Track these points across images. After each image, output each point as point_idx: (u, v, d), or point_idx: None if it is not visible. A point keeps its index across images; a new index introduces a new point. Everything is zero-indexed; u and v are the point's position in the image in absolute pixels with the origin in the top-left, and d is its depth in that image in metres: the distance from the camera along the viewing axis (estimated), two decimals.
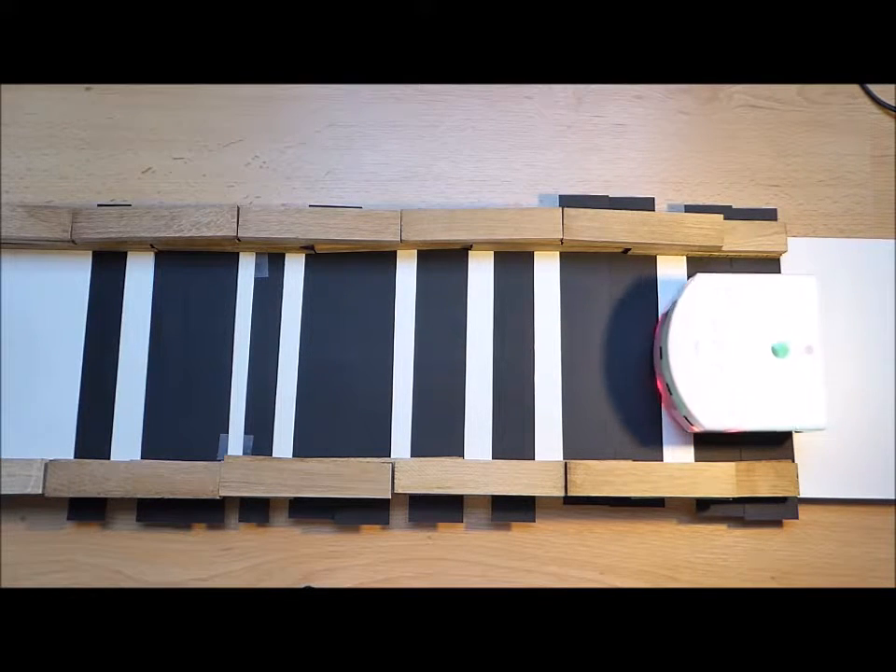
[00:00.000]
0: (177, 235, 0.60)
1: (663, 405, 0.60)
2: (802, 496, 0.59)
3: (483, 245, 0.62)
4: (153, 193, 0.66)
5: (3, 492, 0.57)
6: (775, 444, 0.60)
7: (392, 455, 0.60)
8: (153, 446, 0.60)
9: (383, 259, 0.63)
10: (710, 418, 0.56)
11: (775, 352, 0.57)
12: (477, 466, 0.58)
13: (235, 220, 0.60)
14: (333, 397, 0.61)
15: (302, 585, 0.60)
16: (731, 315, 0.57)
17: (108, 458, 0.60)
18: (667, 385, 0.58)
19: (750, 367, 0.57)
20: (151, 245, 0.62)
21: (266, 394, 0.61)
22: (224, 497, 0.58)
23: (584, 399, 0.61)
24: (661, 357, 0.58)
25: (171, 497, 0.57)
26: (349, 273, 0.63)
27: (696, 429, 0.57)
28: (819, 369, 0.57)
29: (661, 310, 0.62)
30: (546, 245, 0.62)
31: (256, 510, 0.60)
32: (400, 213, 0.61)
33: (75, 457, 0.60)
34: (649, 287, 0.63)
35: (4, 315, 0.62)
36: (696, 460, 0.60)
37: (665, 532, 0.61)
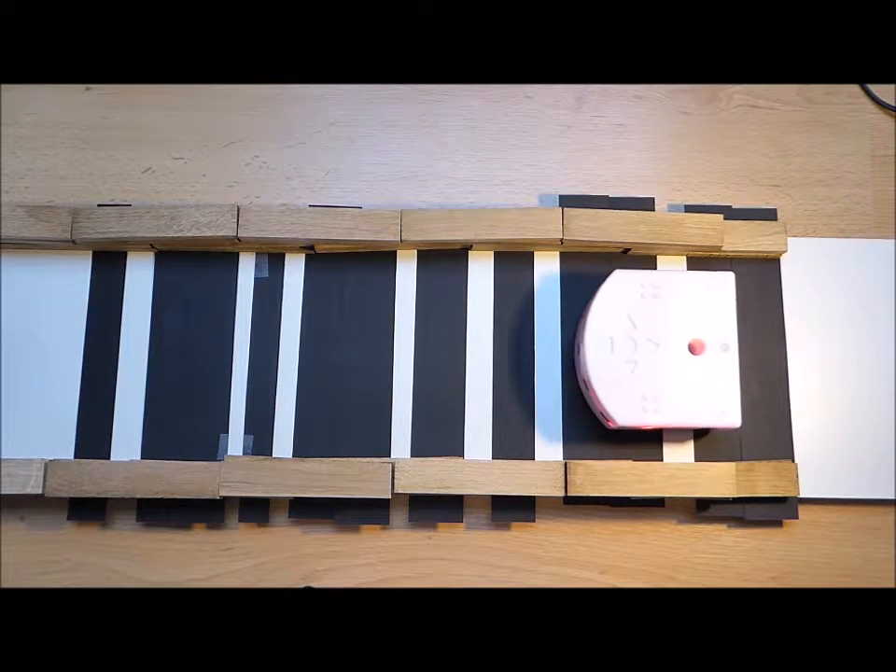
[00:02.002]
0: (177, 235, 0.60)
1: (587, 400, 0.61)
2: (802, 496, 0.59)
3: (483, 244, 0.62)
4: (153, 193, 0.66)
5: (3, 492, 0.57)
6: (775, 444, 0.60)
7: (392, 455, 0.60)
8: (153, 446, 0.60)
9: (383, 258, 0.63)
10: (625, 415, 0.56)
11: (691, 349, 0.57)
12: (477, 466, 0.58)
13: (235, 220, 0.60)
14: (333, 397, 0.61)
15: (302, 585, 0.60)
16: (648, 311, 0.57)
17: (108, 458, 0.60)
18: (584, 380, 0.57)
19: (666, 364, 0.57)
20: (151, 245, 0.62)
21: (266, 394, 0.61)
22: (224, 497, 0.58)
23: (585, 399, 0.61)
24: (577, 353, 0.58)
25: (171, 496, 0.57)
26: (349, 272, 0.63)
27: (613, 425, 0.57)
28: (734, 366, 0.57)
29: None
30: (546, 245, 0.62)
31: (256, 510, 0.60)
32: (400, 213, 0.61)
33: (75, 457, 0.60)
34: None
35: (4, 315, 0.62)
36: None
37: (665, 532, 0.61)
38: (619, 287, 0.58)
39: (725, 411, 0.56)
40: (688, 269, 0.63)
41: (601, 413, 0.58)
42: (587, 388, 0.58)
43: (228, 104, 0.67)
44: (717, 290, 0.58)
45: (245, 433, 0.60)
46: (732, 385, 0.57)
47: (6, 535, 0.60)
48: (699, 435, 0.60)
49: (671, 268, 0.62)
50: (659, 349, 0.57)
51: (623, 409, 0.56)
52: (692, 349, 0.57)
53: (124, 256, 0.63)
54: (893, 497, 0.60)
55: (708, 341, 0.57)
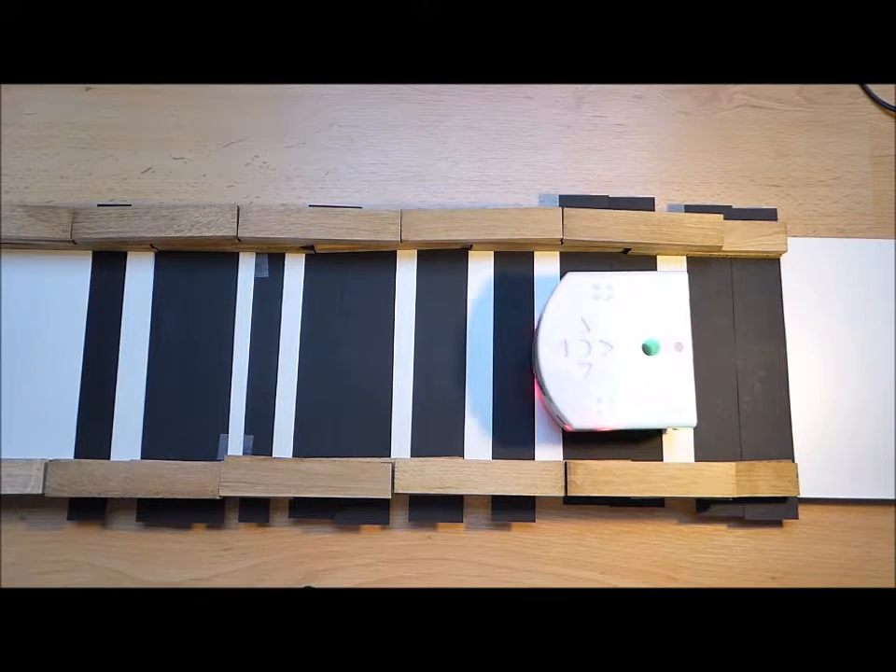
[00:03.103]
0: (177, 235, 0.60)
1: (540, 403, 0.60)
2: (802, 496, 0.59)
3: (483, 244, 0.62)
4: (153, 193, 0.66)
5: (3, 492, 0.57)
6: (774, 444, 0.60)
7: (392, 455, 0.60)
8: (153, 446, 0.60)
9: (383, 258, 0.63)
10: (579, 417, 0.56)
11: (646, 350, 0.57)
12: (477, 466, 0.58)
13: (235, 220, 0.60)
14: (333, 397, 0.61)
15: (302, 585, 0.60)
16: (602, 313, 0.57)
17: (108, 458, 0.60)
18: (539, 383, 0.58)
19: (621, 365, 0.57)
20: (151, 245, 0.62)
21: (266, 394, 0.61)
22: (224, 497, 0.58)
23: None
24: (533, 357, 0.58)
25: (171, 497, 0.57)
26: (349, 273, 0.63)
27: (569, 428, 0.57)
28: (688, 366, 0.57)
29: None
30: (546, 244, 0.62)
31: (256, 510, 0.60)
32: (400, 213, 0.61)
33: (75, 457, 0.60)
34: None
35: (4, 315, 0.62)
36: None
37: (665, 532, 0.61)
38: (572, 290, 0.57)
39: (681, 410, 0.56)
40: (688, 269, 0.63)
41: (557, 416, 0.57)
42: (542, 391, 0.57)
43: (228, 104, 0.67)
44: (670, 290, 0.58)
45: (245, 433, 0.60)
46: (687, 385, 0.56)
47: (6, 535, 0.60)
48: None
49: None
50: (613, 351, 0.57)
51: (577, 411, 0.56)
52: (646, 349, 0.57)
53: (124, 256, 0.63)
54: (893, 497, 0.60)
55: (663, 341, 0.57)
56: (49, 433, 0.60)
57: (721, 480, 0.58)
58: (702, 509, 0.60)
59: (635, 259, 0.63)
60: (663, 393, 0.56)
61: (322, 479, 0.57)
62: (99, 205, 0.63)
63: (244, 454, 0.60)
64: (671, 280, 0.58)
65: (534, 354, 0.58)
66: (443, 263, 0.63)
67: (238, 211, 0.60)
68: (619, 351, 0.57)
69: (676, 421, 0.56)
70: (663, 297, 0.58)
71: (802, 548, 0.61)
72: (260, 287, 0.62)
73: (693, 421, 0.56)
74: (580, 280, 0.58)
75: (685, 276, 0.58)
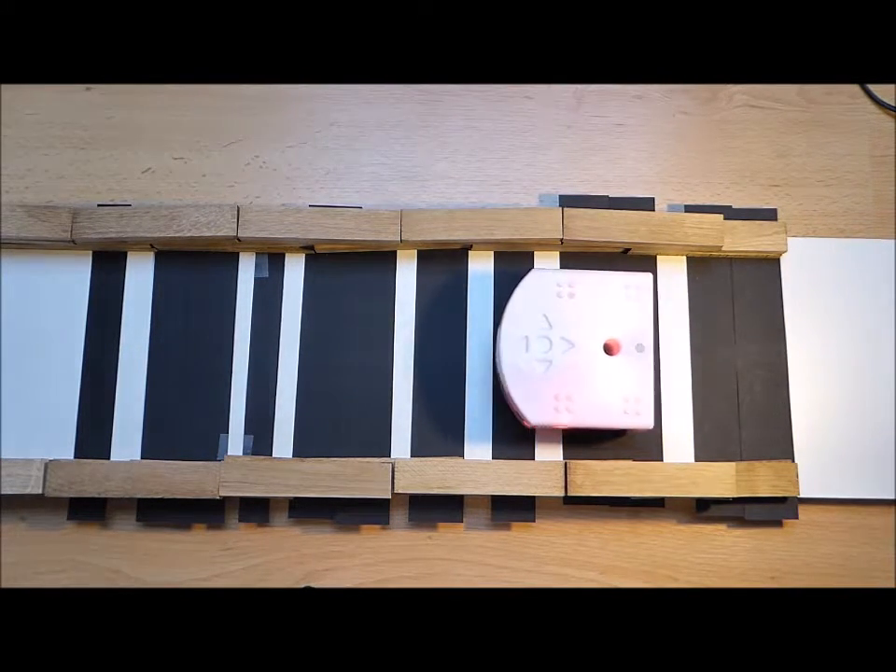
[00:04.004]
0: (177, 235, 0.60)
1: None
2: (802, 496, 0.59)
3: (483, 244, 0.62)
4: (153, 193, 0.66)
5: (3, 492, 0.57)
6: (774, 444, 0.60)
7: (392, 455, 0.60)
8: (153, 446, 0.60)
9: (383, 258, 0.63)
10: (537, 414, 0.56)
11: (607, 349, 0.57)
12: (477, 466, 0.58)
13: (235, 220, 0.60)
14: (333, 397, 0.61)
15: (302, 585, 0.60)
16: (565, 311, 0.57)
17: (108, 458, 0.60)
18: (500, 378, 0.57)
19: (581, 364, 0.56)
20: (151, 245, 0.62)
21: (266, 394, 0.61)
22: (224, 497, 0.58)
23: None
24: (494, 353, 0.58)
25: (171, 497, 0.57)
26: (349, 273, 0.63)
27: (527, 425, 0.57)
28: (648, 367, 0.57)
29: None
30: (546, 244, 0.62)
31: (256, 510, 0.60)
32: (400, 213, 0.61)
33: (75, 457, 0.60)
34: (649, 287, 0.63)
35: (4, 315, 0.62)
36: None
37: (665, 532, 0.61)
38: (535, 287, 0.57)
39: (639, 411, 0.56)
40: (688, 269, 0.63)
41: (516, 412, 0.57)
42: (502, 386, 0.57)
43: (228, 104, 0.67)
44: (634, 291, 0.58)
45: (245, 433, 0.60)
46: (646, 386, 0.56)
47: (6, 535, 0.60)
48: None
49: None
50: (574, 349, 0.57)
51: (535, 408, 0.56)
52: (607, 349, 0.57)
53: (124, 256, 0.63)
54: (893, 497, 0.60)
55: (624, 341, 0.57)
56: (49, 433, 0.60)
57: (721, 480, 0.58)
58: (702, 509, 0.60)
59: (635, 258, 0.63)
60: (621, 394, 0.56)
61: (322, 479, 0.57)
62: (99, 205, 0.63)
63: (244, 454, 0.60)
64: (636, 281, 0.58)
65: (495, 348, 0.57)
66: (443, 263, 0.63)
67: (238, 211, 0.60)
68: (580, 349, 0.57)
69: (633, 423, 0.56)
70: (627, 297, 0.57)
71: (802, 548, 0.61)
72: (260, 287, 0.62)
73: (650, 424, 0.56)
74: (543, 277, 0.58)
75: (650, 278, 0.58)
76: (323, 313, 0.62)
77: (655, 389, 0.61)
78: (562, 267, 0.63)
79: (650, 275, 0.58)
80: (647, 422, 0.56)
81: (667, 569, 0.60)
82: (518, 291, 0.57)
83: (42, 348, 0.61)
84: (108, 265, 0.62)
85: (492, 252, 0.63)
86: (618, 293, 0.57)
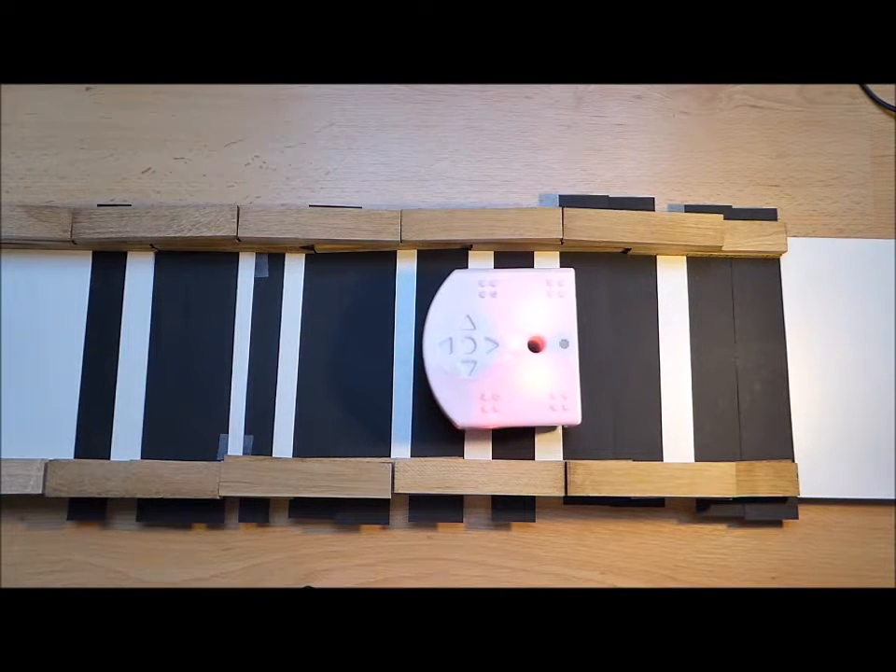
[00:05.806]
0: (177, 235, 0.60)
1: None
2: (802, 496, 0.59)
3: (483, 244, 0.62)
4: (153, 193, 0.66)
5: (3, 492, 0.57)
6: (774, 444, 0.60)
7: (392, 455, 0.60)
8: (153, 446, 0.60)
9: (383, 258, 0.63)
10: (464, 415, 0.56)
11: (532, 347, 0.57)
12: (477, 466, 0.58)
13: (235, 220, 0.60)
14: (333, 397, 0.61)
15: (302, 585, 0.60)
16: (488, 310, 0.57)
17: (108, 458, 0.60)
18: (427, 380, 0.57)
19: (506, 363, 0.56)
20: (151, 245, 0.62)
21: (266, 394, 0.61)
22: (224, 497, 0.58)
23: (586, 398, 0.61)
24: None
25: (171, 497, 0.57)
26: (349, 273, 0.63)
27: (457, 426, 0.57)
28: (574, 363, 0.57)
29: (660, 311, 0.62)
30: (546, 244, 0.62)
31: (256, 510, 0.60)
32: (400, 213, 0.61)
33: (75, 457, 0.60)
34: (649, 287, 0.63)
35: (4, 315, 0.62)
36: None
37: (665, 532, 0.61)
38: (458, 288, 0.57)
39: (565, 407, 0.56)
40: (688, 269, 0.63)
41: (445, 414, 0.57)
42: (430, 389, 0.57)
43: (228, 104, 0.67)
44: (556, 287, 0.57)
45: (245, 433, 0.60)
46: (572, 382, 0.56)
47: (6, 535, 0.60)
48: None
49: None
50: (498, 349, 0.56)
51: (462, 410, 0.56)
52: (532, 347, 0.57)
53: (124, 256, 0.63)
54: (893, 497, 0.60)
55: (548, 338, 0.57)
56: (49, 433, 0.60)
57: (721, 480, 0.58)
58: (702, 509, 0.60)
59: (635, 258, 0.63)
60: (548, 391, 0.56)
61: (322, 479, 0.57)
62: (99, 205, 0.63)
63: (244, 454, 0.60)
64: (558, 277, 0.58)
65: (423, 351, 0.57)
66: (443, 263, 0.63)
67: (238, 211, 0.60)
68: (504, 349, 0.56)
69: (561, 419, 0.56)
70: (550, 294, 0.57)
71: (802, 548, 0.61)
72: (260, 287, 0.62)
73: (578, 419, 0.56)
74: (465, 277, 0.58)
75: (572, 273, 0.58)
76: (323, 313, 0.62)
77: (656, 389, 0.61)
78: (562, 267, 0.63)
79: (571, 271, 0.58)
80: (574, 417, 0.56)
81: (667, 569, 0.60)
82: (440, 293, 0.57)
83: (42, 348, 0.61)
84: (108, 265, 0.62)
85: (492, 252, 0.63)
86: (540, 290, 0.57)
